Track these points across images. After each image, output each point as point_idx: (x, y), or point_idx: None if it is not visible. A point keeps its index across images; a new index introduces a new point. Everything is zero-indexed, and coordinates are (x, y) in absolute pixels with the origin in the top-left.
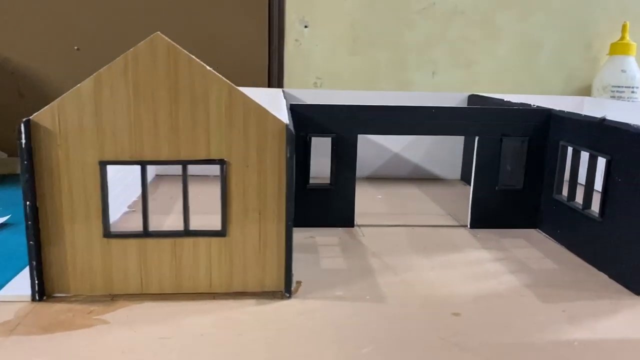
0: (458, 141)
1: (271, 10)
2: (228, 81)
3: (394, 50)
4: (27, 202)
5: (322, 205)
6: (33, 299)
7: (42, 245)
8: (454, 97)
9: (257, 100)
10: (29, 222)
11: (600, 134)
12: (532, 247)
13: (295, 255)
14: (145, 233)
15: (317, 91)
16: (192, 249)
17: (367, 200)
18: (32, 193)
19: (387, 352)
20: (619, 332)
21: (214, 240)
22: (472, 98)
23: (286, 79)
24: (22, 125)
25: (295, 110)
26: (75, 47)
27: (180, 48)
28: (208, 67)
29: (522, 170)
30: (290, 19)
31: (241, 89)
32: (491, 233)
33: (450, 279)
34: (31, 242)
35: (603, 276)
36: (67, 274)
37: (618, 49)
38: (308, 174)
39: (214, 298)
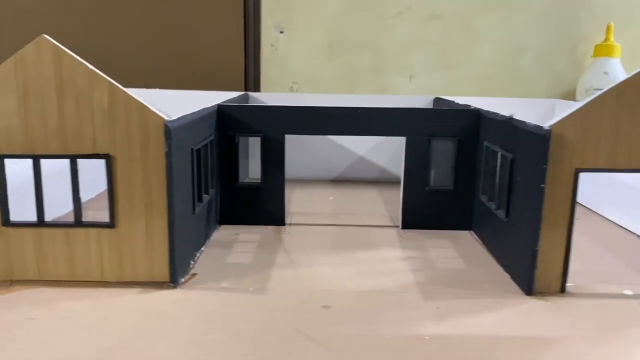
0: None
1: (247, 16)
2: (110, 79)
3: (371, 55)
4: None
5: (252, 203)
6: None
7: None
8: (420, 100)
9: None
10: None
11: (508, 133)
12: (451, 248)
13: (208, 250)
14: (40, 223)
15: (292, 95)
16: (83, 239)
17: (317, 200)
18: None
19: (231, 339)
20: (480, 330)
21: (104, 231)
22: (437, 101)
23: (263, 84)
24: None
25: (224, 110)
26: None
27: (65, 50)
28: (91, 67)
29: (452, 171)
30: (266, 24)
31: (217, 92)
32: (420, 234)
33: (345, 275)
34: None
35: (506, 277)
36: None
37: (602, 50)
38: (237, 172)
39: (105, 286)
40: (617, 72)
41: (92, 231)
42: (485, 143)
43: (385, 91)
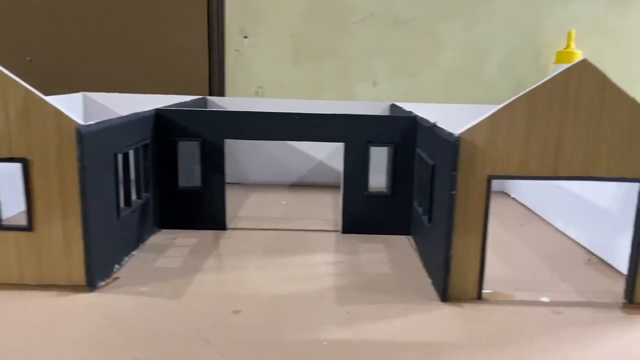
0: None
1: (210, 22)
2: (26, 85)
3: (334, 61)
4: None
5: (193, 208)
6: None
7: None
8: (379, 106)
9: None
10: None
11: (432, 140)
12: (384, 253)
13: (139, 254)
14: None
15: (253, 100)
16: (2, 242)
17: (269, 205)
18: None
19: (130, 343)
20: (383, 335)
21: (22, 234)
22: (392, 107)
23: (228, 88)
24: None
25: (163, 115)
26: (28, 58)
27: None
28: (6, 72)
29: (389, 176)
30: (230, 30)
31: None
32: (358, 238)
33: (269, 279)
34: None
35: (428, 283)
36: None
37: (563, 57)
38: (177, 176)
39: (24, 289)
40: None
41: (11, 234)
42: (418, 149)
43: (349, 97)
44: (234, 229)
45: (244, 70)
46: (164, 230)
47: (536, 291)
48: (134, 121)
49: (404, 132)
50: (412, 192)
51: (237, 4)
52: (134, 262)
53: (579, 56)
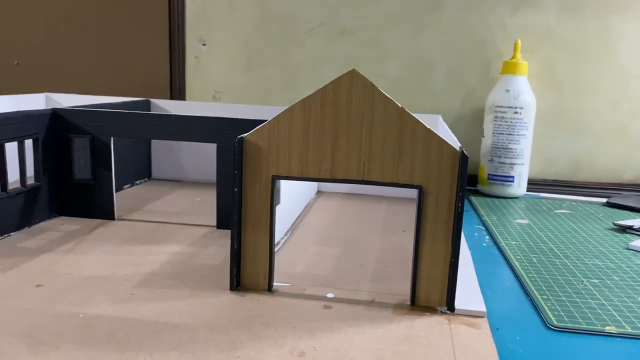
0: None
1: (172, 30)
2: None
3: (284, 68)
4: None
5: (85, 198)
6: None
7: None
8: None
9: None
10: None
11: None
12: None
13: (16, 235)
14: None
15: (212, 104)
16: None
17: (179, 201)
18: None
19: None
20: (144, 314)
21: None
22: None
23: (188, 93)
24: None
25: (59, 114)
26: (15, 62)
27: None
28: None
29: None
30: (190, 38)
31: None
32: (227, 233)
33: (100, 262)
34: None
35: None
36: None
37: (508, 68)
38: (72, 168)
39: None
40: (521, 89)
41: None
42: None
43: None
44: (121, 219)
45: (203, 76)
46: (61, 217)
47: (334, 288)
48: (18, 118)
49: None
50: None
51: (196, 13)
52: (4, 242)
53: (524, 67)
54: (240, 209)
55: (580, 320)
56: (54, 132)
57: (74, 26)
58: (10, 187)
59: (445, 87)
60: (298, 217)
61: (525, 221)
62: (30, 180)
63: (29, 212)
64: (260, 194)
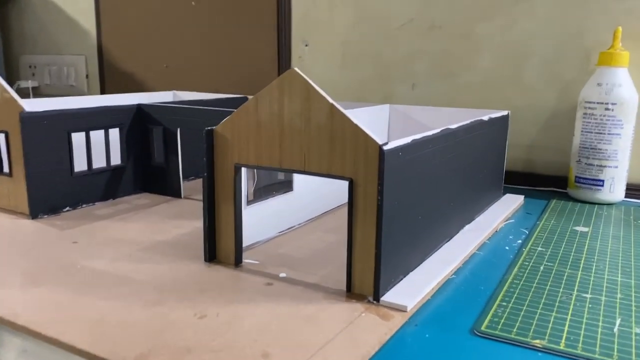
0: None
1: (279, 32)
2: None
3: (376, 65)
4: None
5: (161, 178)
6: None
7: None
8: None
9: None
10: None
11: None
12: None
13: (98, 205)
14: None
15: None
16: None
17: None
18: None
19: None
20: (119, 274)
21: (5, 178)
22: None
23: None
24: None
25: (143, 108)
26: (165, 65)
27: None
28: None
29: None
30: (295, 39)
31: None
32: None
33: (136, 230)
34: None
35: None
36: None
37: (604, 59)
38: (152, 154)
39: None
40: (617, 83)
41: (4, 178)
42: None
43: (389, 99)
44: (187, 198)
45: (305, 74)
46: (142, 194)
47: (294, 270)
48: (106, 111)
49: None
50: None
51: (300, 16)
52: (87, 208)
53: (623, 57)
54: (212, 191)
55: (512, 330)
56: (138, 123)
57: (203, 35)
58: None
59: (538, 80)
60: (324, 213)
61: (586, 229)
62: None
63: (113, 188)
64: (226, 179)
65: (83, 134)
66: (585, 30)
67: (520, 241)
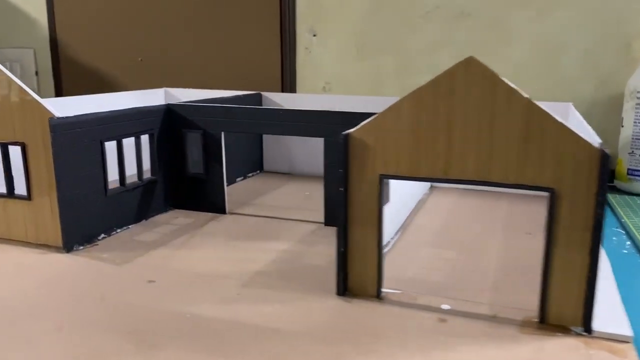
0: None
1: (283, 21)
2: (13, 78)
3: (397, 56)
4: None
5: (197, 192)
6: None
7: None
8: None
9: None
10: None
11: None
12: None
13: (134, 228)
14: None
15: (322, 96)
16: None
17: (290, 195)
18: None
19: (46, 295)
20: (251, 317)
21: (24, 203)
22: None
23: (298, 84)
24: None
25: (173, 109)
26: (139, 59)
27: None
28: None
29: None
30: (300, 28)
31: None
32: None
33: (210, 258)
34: None
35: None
36: None
37: None
38: (186, 162)
39: (24, 246)
40: None
41: (19, 202)
42: None
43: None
44: (232, 213)
45: (313, 67)
46: (176, 211)
47: (449, 298)
48: (127, 114)
49: None
50: None
51: (306, 3)
52: (123, 234)
53: None
54: (346, 210)
55: None
56: (168, 127)
57: (189, 23)
58: (128, 181)
59: (577, 72)
60: (409, 215)
61: None
62: (147, 175)
63: (146, 205)
64: (367, 194)
65: (114, 142)
66: (625, 18)
67: (629, 243)
